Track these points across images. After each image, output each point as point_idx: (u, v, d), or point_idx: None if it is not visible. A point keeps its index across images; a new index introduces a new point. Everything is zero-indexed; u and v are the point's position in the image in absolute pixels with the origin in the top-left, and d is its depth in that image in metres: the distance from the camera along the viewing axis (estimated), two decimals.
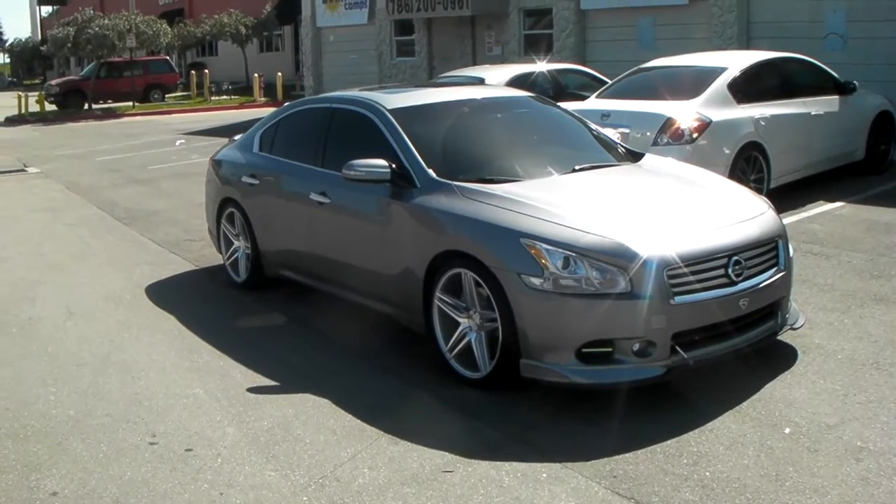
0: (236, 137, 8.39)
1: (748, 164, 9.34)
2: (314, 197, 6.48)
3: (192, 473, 4.36)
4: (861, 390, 5.02)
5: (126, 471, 4.42)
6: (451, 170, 5.74)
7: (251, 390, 5.41)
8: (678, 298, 4.78)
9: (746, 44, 16.21)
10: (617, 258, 4.74)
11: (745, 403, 4.91)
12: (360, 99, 6.62)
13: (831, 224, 8.99)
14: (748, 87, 9.72)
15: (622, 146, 6.72)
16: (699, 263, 4.88)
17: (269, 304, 7.24)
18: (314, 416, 5.00)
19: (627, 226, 4.98)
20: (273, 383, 5.54)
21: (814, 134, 10.25)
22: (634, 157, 6.45)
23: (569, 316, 4.77)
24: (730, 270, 4.97)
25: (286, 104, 8.02)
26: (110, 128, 26.86)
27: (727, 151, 9.12)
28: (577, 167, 5.97)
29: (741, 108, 9.48)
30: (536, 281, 4.79)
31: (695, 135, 8.98)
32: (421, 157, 5.81)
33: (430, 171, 5.69)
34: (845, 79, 10.98)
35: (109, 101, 34.64)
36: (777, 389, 5.07)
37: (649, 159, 6.43)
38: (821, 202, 9.96)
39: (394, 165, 5.77)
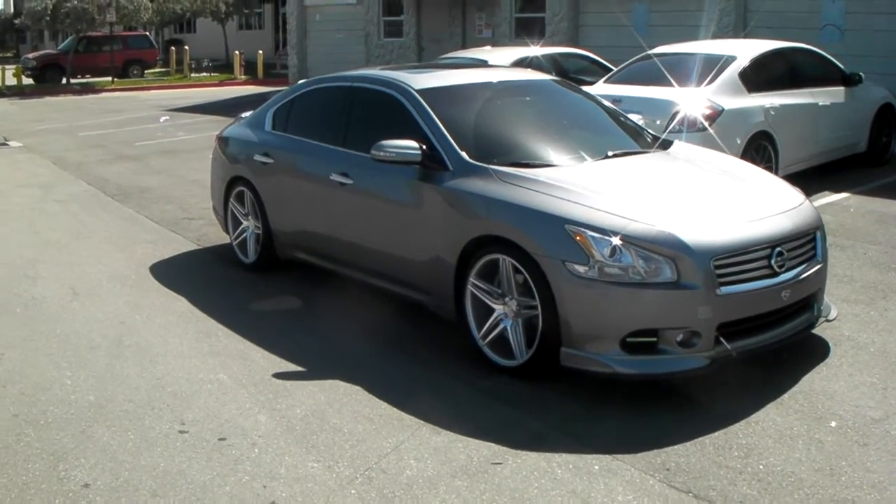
0: (244, 115, 8.19)
1: (757, 154, 9.27)
2: (335, 178, 6.32)
3: (230, 464, 4.21)
4: None
5: (159, 461, 4.26)
6: (484, 153, 5.61)
7: (277, 376, 5.26)
8: (724, 289, 4.69)
9: (743, 32, 16.12)
10: (665, 247, 4.64)
11: (786, 395, 4.83)
12: (384, 79, 6.46)
13: (841, 215, 8.95)
14: (758, 76, 9.66)
15: (650, 132, 6.60)
16: (745, 254, 4.79)
17: (281, 287, 7.08)
18: (348, 403, 4.86)
19: (673, 214, 4.88)
20: (299, 369, 5.39)
21: (820, 124, 10.23)
22: (664, 144, 6.33)
23: (614, 305, 4.66)
24: (773, 261, 4.88)
25: (301, 81, 7.84)
26: (89, 103, 26.44)
27: (738, 140, 9.04)
28: (609, 153, 5.85)
29: (752, 97, 9.42)
30: (581, 269, 4.68)
31: (707, 123, 8.89)
32: (453, 138, 5.67)
33: (463, 154, 5.55)
34: (851, 70, 10.94)
35: (87, 76, 34.08)
36: (816, 382, 5.00)
37: (679, 147, 6.32)
38: (826, 193, 9.93)
39: (424, 147, 5.63)
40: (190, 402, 4.93)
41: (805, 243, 5.21)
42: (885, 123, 11.42)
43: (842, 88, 10.70)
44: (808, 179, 10.08)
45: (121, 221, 9.78)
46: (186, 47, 37.12)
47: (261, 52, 33.74)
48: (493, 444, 4.34)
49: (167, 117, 20.93)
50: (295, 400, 4.92)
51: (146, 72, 36.54)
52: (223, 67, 37.07)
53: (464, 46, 21.06)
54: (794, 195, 5.52)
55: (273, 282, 7.24)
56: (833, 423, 4.50)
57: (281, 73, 32.58)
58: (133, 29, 38.71)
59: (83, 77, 33.84)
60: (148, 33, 40.27)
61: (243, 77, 32.96)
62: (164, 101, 25.44)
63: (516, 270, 5.00)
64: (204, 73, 36.18)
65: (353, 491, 3.95)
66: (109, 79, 32.75)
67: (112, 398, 5.00)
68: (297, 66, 28.53)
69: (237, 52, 34.40)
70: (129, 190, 11.59)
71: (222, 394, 5.04)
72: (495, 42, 20.47)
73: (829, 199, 9.71)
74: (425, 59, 23.20)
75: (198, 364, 5.49)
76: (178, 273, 7.66)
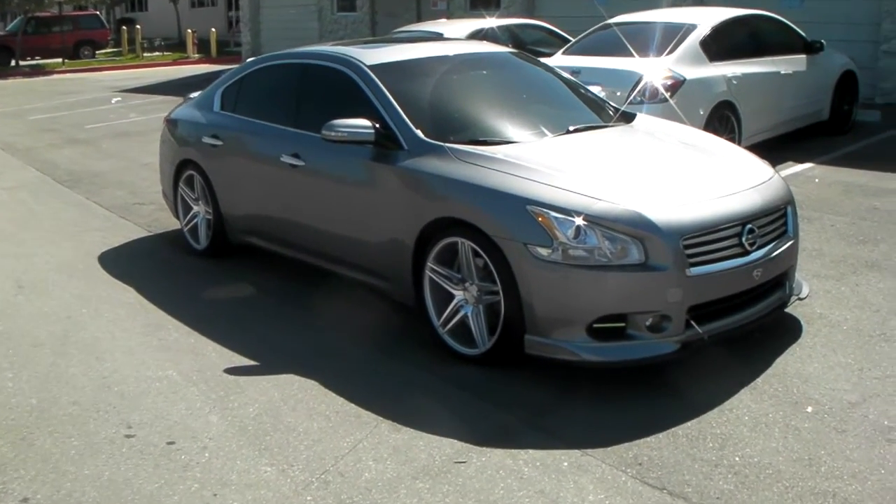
0: (192, 95, 7.87)
1: (720, 124, 9.09)
2: (286, 159, 6.05)
3: (179, 471, 3.95)
4: (874, 364, 4.79)
5: (104, 469, 3.99)
6: (440, 130, 5.36)
7: (229, 371, 5.01)
8: (694, 269, 4.49)
9: (702, 1, 15.92)
10: (631, 227, 4.42)
11: (759, 380, 4.65)
12: (335, 54, 6.18)
13: (806, 186, 8.80)
14: (719, 45, 9.47)
15: (612, 105, 6.38)
16: (715, 232, 4.59)
17: (235, 274, 6.81)
18: (303, 399, 4.62)
19: (639, 192, 4.66)
20: (252, 363, 5.14)
21: (784, 93, 10.09)
22: (626, 117, 6.11)
23: (579, 289, 4.44)
24: (744, 239, 4.69)
25: (249, 60, 7.54)
26: (40, 85, 25.80)
27: (701, 111, 8.86)
28: (571, 128, 5.62)
29: (713, 66, 9.24)
30: (544, 251, 4.45)
31: (668, 94, 8.69)
32: (407, 116, 5.41)
33: (419, 132, 5.30)
34: (812, 38, 10.79)
35: (38, 58, 33.30)
36: (790, 364, 4.83)
37: (642, 120, 6.10)
38: (790, 163, 9.78)
39: (378, 125, 5.37)
40: (137, 403, 4.67)
41: (776, 219, 5.02)
42: (846, 91, 11.29)
43: (803, 56, 10.53)
44: (771, 149, 9.91)
45: (70, 208, 9.44)
46: (138, 26, 36.38)
47: (214, 29, 33.13)
48: (455, 441, 4.12)
49: (119, 98, 20.44)
50: (247, 397, 4.67)
51: (98, 52, 35.73)
52: (176, 46, 36.44)
53: (419, 20, 20.71)
54: (763, 169, 5.33)
55: (226, 268, 6.97)
56: (809, 409, 4.33)
57: (235, 50, 32.03)
58: (83, 8, 37.95)
59: (33, 59, 33.11)
60: (99, 13, 39.46)
61: (196, 56, 32.38)
62: (116, 82, 24.88)
63: (476, 254, 4.77)
64: (157, 53, 35.53)
65: (308, 497, 3.71)
66: (60, 60, 32.08)
67: (56, 401, 4.73)
68: (251, 43, 28.06)
69: (190, 30, 33.77)
70: (80, 175, 11.22)
71: (172, 392, 4.78)
72: (450, 14, 20.17)
73: (793, 169, 9.56)
74: (380, 33, 22.84)
75: (146, 360, 5.22)
76: (127, 262, 7.36)
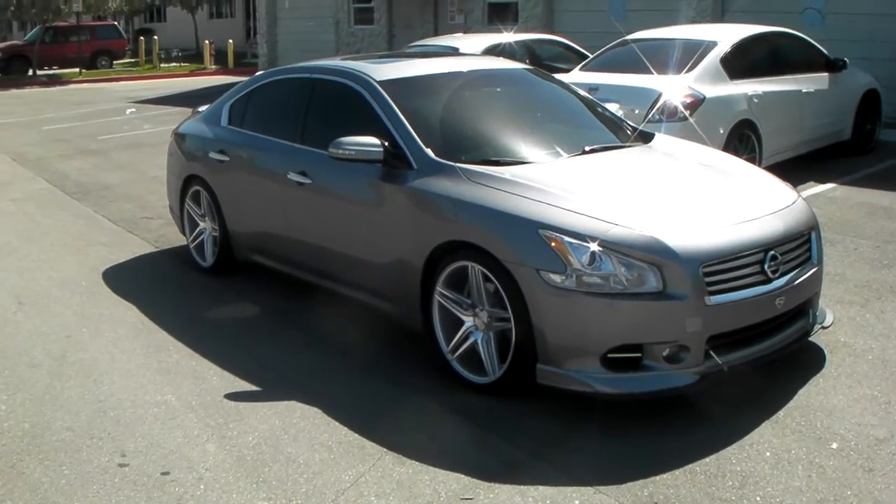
0: (201, 109, 7.73)
1: (740, 143, 8.90)
2: (293, 177, 5.89)
3: None
4: None
5: (94, 502, 3.82)
6: (451, 149, 5.19)
7: (230, 397, 4.83)
8: (714, 298, 4.29)
9: (721, 16, 15.76)
10: (649, 253, 4.23)
11: (781, 413, 4.45)
12: (345, 69, 6.01)
13: (828, 207, 8.58)
14: (740, 62, 9.28)
15: (630, 124, 6.19)
16: (736, 259, 4.39)
17: (241, 294, 6.64)
18: (305, 429, 4.44)
19: (657, 216, 4.47)
20: (254, 388, 4.96)
21: (805, 112, 9.88)
22: (644, 137, 5.93)
23: (593, 318, 4.25)
24: (766, 266, 4.49)
25: (258, 73, 7.39)
26: (56, 95, 25.76)
27: (721, 130, 8.67)
28: (587, 148, 5.43)
29: (734, 85, 9.05)
30: (557, 278, 4.26)
31: (688, 112, 8.50)
32: (417, 134, 5.24)
33: (429, 151, 5.13)
34: (835, 56, 10.58)
35: (55, 67, 33.27)
36: (812, 396, 4.62)
37: (661, 140, 5.91)
38: (811, 183, 9.57)
39: (387, 144, 5.20)
40: (133, 430, 4.50)
41: (800, 245, 4.82)
42: (869, 110, 11.07)
43: (826, 74, 10.33)
44: (792, 170, 9.71)
45: (77, 221, 9.31)
46: (156, 37, 36.42)
47: (231, 40, 33.10)
48: (462, 476, 3.93)
49: (133, 109, 20.36)
50: (247, 425, 4.49)
51: (115, 62, 35.73)
52: (193, 57, 36.43)
53: (436, 33, 20.60)
54: (786, 192, 5.13)
55: (232, 287, 6.81)
56: (834, 445, 4.12)
57: (252, 61, 31.96)
58: (101, 18, 37.99)
59: (50, 68, 33.05)
60: (116, 23, 39.53)
61: (214, 67, 32.32)
62: (132, 93, 24.82)
63: (486, 279, 4.58)
64: (174, 64, 35.51)
65: None
66: (77, 70, 32.01)
67: (49, 425, 4.56)
68: (268, 54, 27.99)
69: (207, 41, 33.76)
70: (89, 187, 11.10)
71: (169, 419, 4.61)
72: (468, 28, 20.03)
73: (814, 189, 9.35)
74: (396, 46, 22.72)
75: (145, 384, 5.06)
76: (132, 278, 7.21)
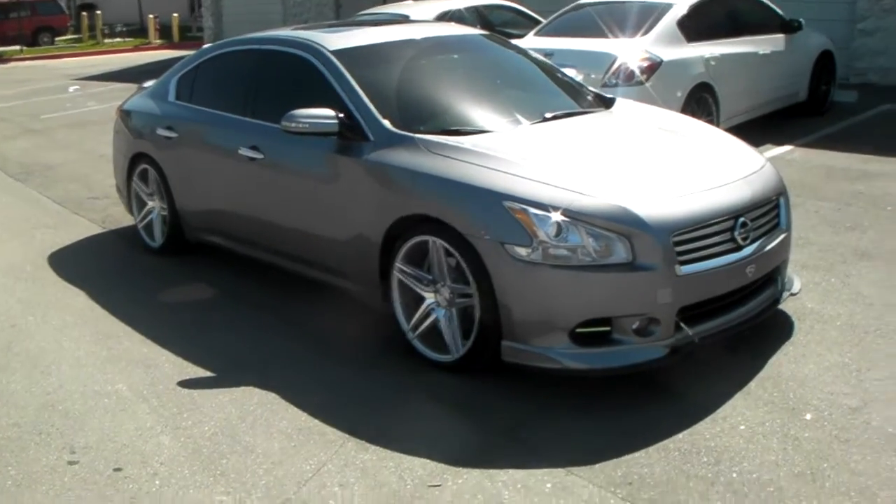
0: (146, 84, 7.45)
1: (698, 106, 8.78)
2: (244, 152, 5.67)
3: (126, 502, 3.59)
4: (873, 364, 4.49)
5: (42, 503, 3.62)
6: (409, 120, 5.00)
7: (183, 384, 4.63)
8: (685, 268, 4.16)
9: None
10: (617, 223, 4.08)
11: (752, 384, 4.34)
12: (295, 39, 5.78)
13: (786, 170, 8.44)
14: (697, 25, 9.13)
15: (590, 90, 6.03)
16: (706, 227, 4.26)
17: (193, 274, 6.42)
18: (263, 416, 4.25)
19: (624, 184, 4.32)
20: (208, 374, 4.76)
21: (762, 74, 9.78)
22: (605, 102, 5.77)
23: (561, 291, 4.10)
24: (736, 234, 4.37)
25: (206, 46, 7.12)
26: None
27: (678, 93, 8.54)
28: (548, 115, 5.26)
29: (691, 47, 8.91)
30: (523, 251, 4.10)
31: (644, 76, 8.36)
32: (373, 105, 5.04)
33: (386, 122, 4.93)
34: (790, 17, 10.49)
35: None
36: (783, 366, 4.52)
37: (622, 105, 5.76)
38: (769, 146, 9.47)
39: (342, 115, 4.99)
40: (83, 423, 4.29)
41: (769, 211, 4.71)
42: (824, 71, 11.00)
43: (782, 36, 10.23)
44: (749, 132, 9.58)
45: (21, 204, 8.99)
46: (98, 12, 35.58)
47: (176, 14, 32.43)
48: (428, 461, 3.77)
49: (77, 87, 19.85)
50: (202, 414, 4.30)
51: (57, 39, 34.92)
52: (138, 32, 35.73)
53: (384, 2, 20.24)
54: (754, 157, 5.01)
55: (184, 268, 6.58)
56: (808, 416, 4.02)
57: (197, 35, 31.35)
58: None
59: None
60: None
61: (158, 41, 31.68)
62: (75, 70, 24.22)
63: (448, 254, 4.41)
64: (118, 39, 34.76)
65: None
66: (18, 48, 31.21)
67: None
68: (213, 27, 27.44)
69: (151, 15, 33.05)
70: (32, 168, 10.75)
71: (120, 410, 4.40)
72: None
73: (772, 152, 9.26)
74: (344, 16, 22.30)
75: (94, 373, 4.84)
76: (79, 262, 6.95)
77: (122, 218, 7.87)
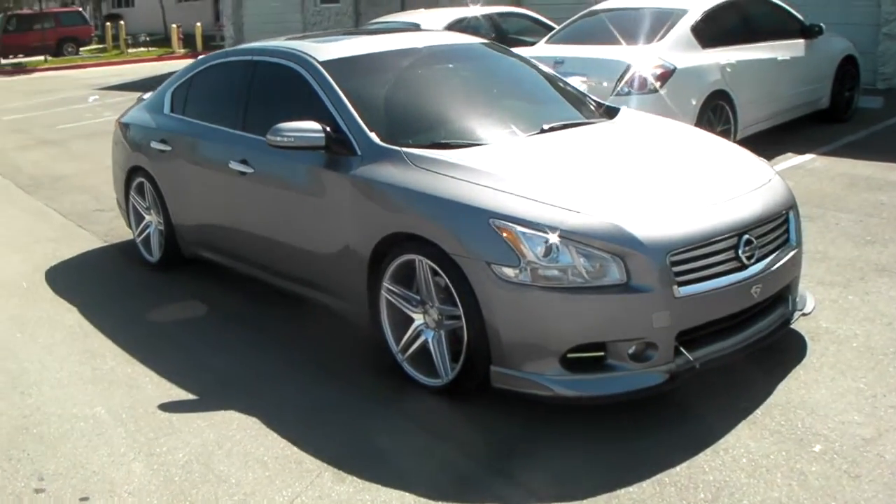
0: (145, 96, 7.31)
1: (714, 115, 8.53)
2: (234, 166, 5.50)
3: None
4: (890, 389, 4.23)
5: None
6: (398, 133, 4.80)
7: (163, 408, 4.45)
8: (683, 289, 3.92)
9: None
10: (610, 242, 3.85)
11: (759, 411, 4.09)
12: (285, 50, 5.60)
13: (806, 180, 8.23)
14: (712, 30, 8.88)
15: (593, 99, 5.80)
16: (707, 245, 4.02)
17: (188, 291, 6.24)
18: (241, 442, 4.06)
19: (619, 201, 4.09)
20: (191, 397, 4.58)
21: (781, 80, 9.51)
22: (609, 112, 5.54)
23: (551, 314, 3.87)
24: (741, 252, 4.12)
25: (200, 57, 6.97)
26: (20, 84, 25.17)
27: (693, 101, 8.28)
28: (545, 126, 5.04)
29: (706, 54, 8.66)
30: (510, 272, 3.89)
31: (658, 84, 8.12)
32: (361, 118, 4.85)
33: (373, 136, 4.73)
34: (810, 21, 10.21)
35: (20, 56, 32.65)
36: (793, 391, 4.26)
37: (626, 115, 5.53)
38: (789, 155, 9.20)
39: (329, 129, 4.80)
40: (56, 448, 4.11)
41: (777, 226, 4.45)
42: (847, 76, 10.70)
43: (801, 41, 9.94)
44: (769, 140, 9.39)
45: (26, 217, 8.88)
46: (122, 22, 35.73)
47: (199, 23, 32.48)
48: (407, 494, 3.56)
49: (96, 97, 19.84)
50: (179, 440, 4.11)
51: (81, 49, 35.07)
52: (161, 41, 35.81)
53: (403, 8, 20.11)
54: (761, 169, 4.76)
55: (180, 284, 6.41)
56: (817, 448, 3.77)
57: (220, 44, 31.35)
58: (67, 4, 37.27)
59: (15, 57, 32.42)
60: (81, 9, 38.80)
61: (182, 50, 31.73)
62: (97, 80, 24.24)
63: (435, 273, 4.20)
64: (141, 49, 34.86)
65: None
66: (43, 58, 31.38)
67: None
68: (234, 36, 27.44)
69: (175, 25, 33.13)
70: (42, 180, 10.66)
71: (96, 434, 4.23)
72: (436, 3, 19.53)
73: (792, 161, 8.99)
74: (363, 24, 22.19)
75: (75, 395, 4.67)
76: (76, 277, 6.81)
77: (124, 232, 7.72)
